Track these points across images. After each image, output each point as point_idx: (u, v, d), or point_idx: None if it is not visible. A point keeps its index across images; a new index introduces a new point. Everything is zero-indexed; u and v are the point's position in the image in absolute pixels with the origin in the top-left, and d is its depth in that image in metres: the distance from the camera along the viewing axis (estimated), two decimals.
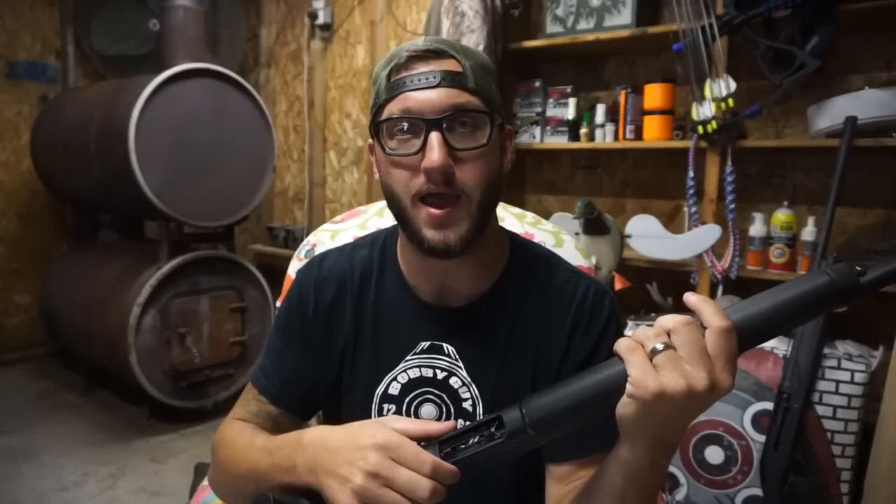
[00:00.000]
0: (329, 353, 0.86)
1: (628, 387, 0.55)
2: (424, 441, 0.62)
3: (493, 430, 0.60)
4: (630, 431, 0.59)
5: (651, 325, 0.58)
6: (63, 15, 3.52)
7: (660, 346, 0.55)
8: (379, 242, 0.89)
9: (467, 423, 0.61)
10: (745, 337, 0.57)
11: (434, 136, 0.70)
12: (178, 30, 2.77)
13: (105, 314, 2.72)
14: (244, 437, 0.82)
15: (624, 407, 0.56)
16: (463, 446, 0.61)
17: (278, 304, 1.23)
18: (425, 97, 0.71)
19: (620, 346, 0.58)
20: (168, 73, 2.58)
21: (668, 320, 0.57)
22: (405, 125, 0.72)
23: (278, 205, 4.09)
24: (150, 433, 2.69)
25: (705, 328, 0.56)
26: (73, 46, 3.54)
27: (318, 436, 0.70)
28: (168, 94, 2.59)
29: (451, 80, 0.72)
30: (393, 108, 0.73)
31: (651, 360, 0.55)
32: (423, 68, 0.72)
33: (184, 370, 2.72)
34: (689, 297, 0.59)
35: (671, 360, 0.55)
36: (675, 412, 0.56)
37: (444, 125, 0.71)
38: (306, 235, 1.30)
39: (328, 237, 1.22)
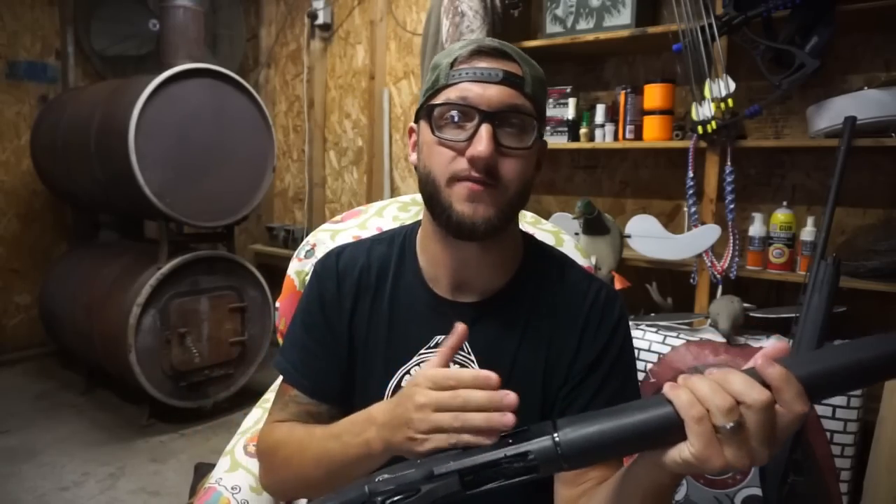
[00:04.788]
0: (345, 344, 0.87)
1: (689, 455, 0.51)
2: (444, 470, 0.57)
3: (522, 463, 0.55)
4: (671, 471, 0.56)
5: (702, 368, 0.53)
6: (63, 15, 3.52)
7: (730, 426, 0.50)
8: (398, 240, 0.91)
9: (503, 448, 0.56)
10: (812, 395, 0.52)
11: (484, 128, 0.72)
12: (178, 30, 2.76)
13: (105, 314, 2.72)
14: (298, 431, 0.83)
15: (676, 466, 0.53)
16: (487, 476, 0.56)
17: (278, 304, 1.23)
18: (484, 90, 0.74)
19: (682, 403, 0.51)
20: (168, 73, 2.58)
21: (745, 391, 0.50)
22: (459, 112, 0.75)
23: (278, 205, 4.09)
24: (150, 433, 2.68)
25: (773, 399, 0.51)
26: (73, 46, 3.54)
27: (377, 406, 0.71)
28: (168, 94, 2.59)
29: (511, 80, 0.74)
30: (451, 94, 0.75)
31: (717, 431, 0.51)
32: (486, 64, 0.75)
33: (184, 370, 2.72)
34: (771, 372, 0.51)
35: (741, 440, 0.50)
36: None
37: (496, 121, 0.73)
38: (306, 235, 1.30)
39: (328, 237, 1.22)
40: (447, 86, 0.75)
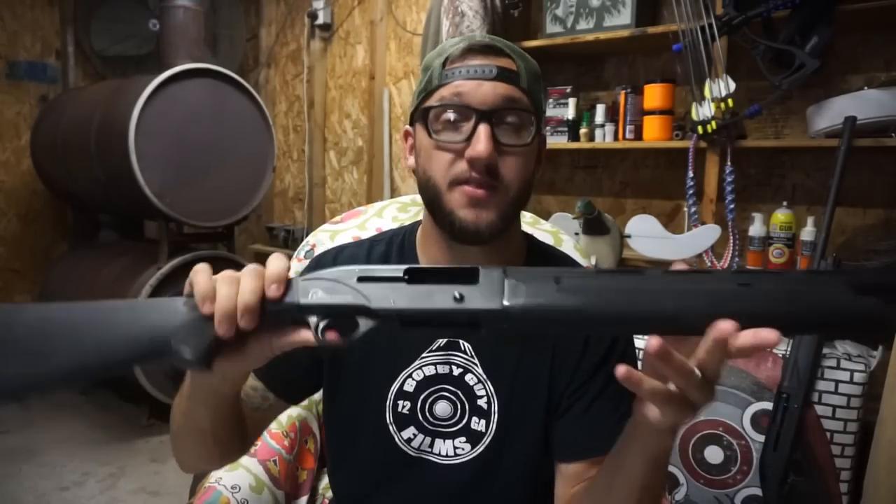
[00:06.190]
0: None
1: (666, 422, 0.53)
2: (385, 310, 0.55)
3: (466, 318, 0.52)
4: (655, 430, 0.57)
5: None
6: (63, 15, 3.52)
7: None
8: (398, 240, 0.89)
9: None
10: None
11: (483, 128, 0.71)
12: (178, 30, 2.77)
13: None
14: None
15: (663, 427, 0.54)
16: (427, 320, 0.54)
17: None
18: (479, 87, 0.72)
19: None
20: (168, 73, 2.58)
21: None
22: (455, 112, 0.73)
23: (278, 205, 4.09)
24: (150, 433, 2.69)
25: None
26: (73, 46, 3.54)
27: None
28: (168, 94, 2.59)
29: (505, 76, 0.73)
30: (444, 94, 0.74)
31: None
32: (479, 61, 0.74)
33: (184, 370, 2.71)
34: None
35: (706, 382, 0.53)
36: None
37: (493, 119, 0.72)
38: (306, 236, 1.30)
39: (328, 237, 1.22)
40: (440, 86, 0.74)
